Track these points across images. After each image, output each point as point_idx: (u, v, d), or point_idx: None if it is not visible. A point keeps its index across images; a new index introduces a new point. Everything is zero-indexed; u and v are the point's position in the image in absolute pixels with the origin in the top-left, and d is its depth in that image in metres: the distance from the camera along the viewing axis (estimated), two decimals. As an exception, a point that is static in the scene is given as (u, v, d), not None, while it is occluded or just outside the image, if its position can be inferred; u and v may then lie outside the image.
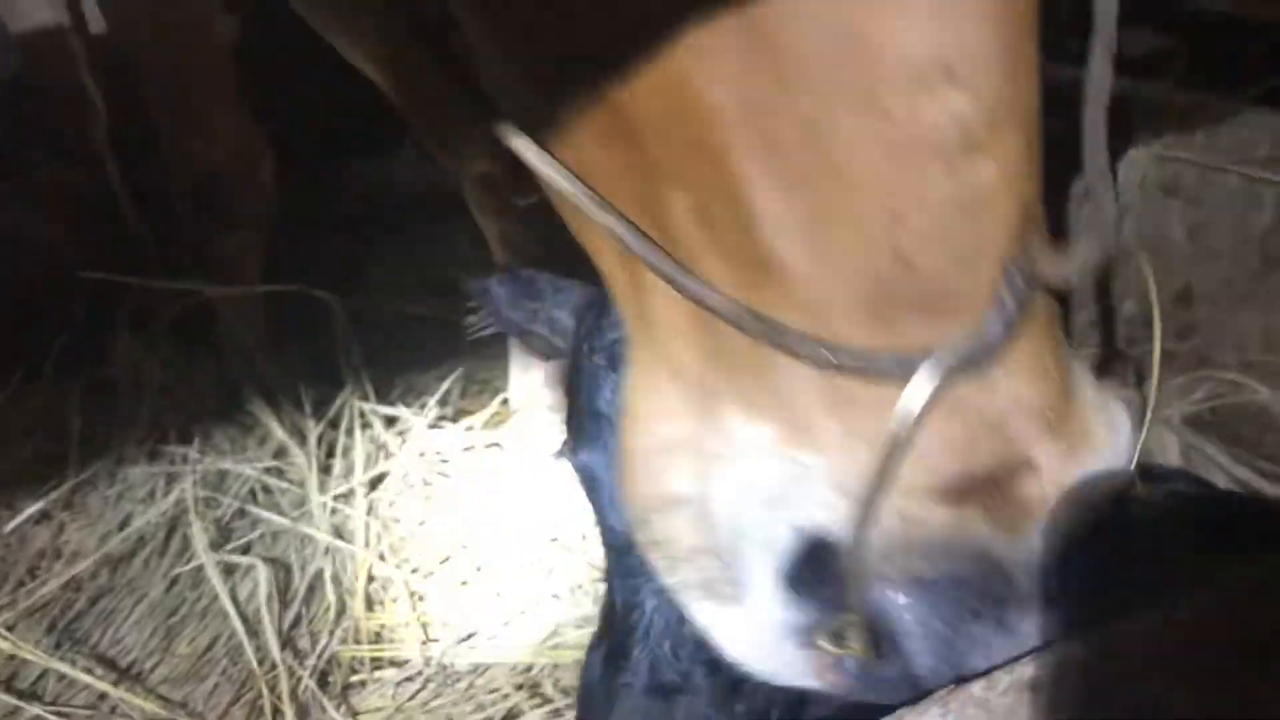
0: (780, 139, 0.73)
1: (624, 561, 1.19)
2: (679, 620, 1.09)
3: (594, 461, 1.24)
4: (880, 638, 0.82)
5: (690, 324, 0.87)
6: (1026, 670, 0.64)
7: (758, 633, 0.88)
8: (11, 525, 2.30)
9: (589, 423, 1.23)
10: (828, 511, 0.81)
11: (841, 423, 0.80)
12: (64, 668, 1.90)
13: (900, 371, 0.76)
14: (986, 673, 0.70)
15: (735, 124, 0.73)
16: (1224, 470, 2.33)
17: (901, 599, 0.81)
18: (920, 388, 0.75)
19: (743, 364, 0.83)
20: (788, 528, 0.84)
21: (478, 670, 1.99)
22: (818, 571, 0.83)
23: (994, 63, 0.73)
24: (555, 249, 2.72)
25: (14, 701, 1.86)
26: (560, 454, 1.31)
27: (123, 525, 2.26)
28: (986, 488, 0.80)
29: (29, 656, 1.90)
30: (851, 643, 0.82)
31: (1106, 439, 0.87)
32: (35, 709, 1.85)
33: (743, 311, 0.79)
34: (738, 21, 0.69)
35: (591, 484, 1.25)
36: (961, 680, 0.74)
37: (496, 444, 2.45)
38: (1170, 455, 2.37)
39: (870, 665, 0.83)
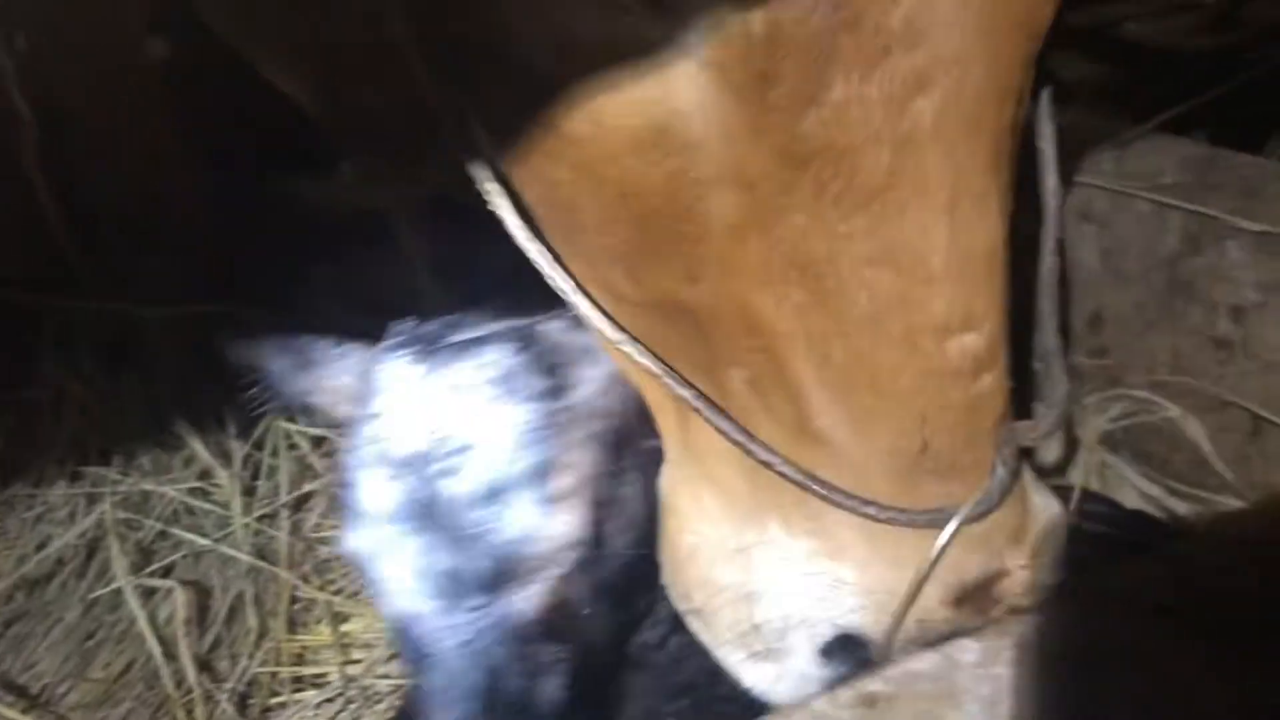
0: (833, 359, 0.97)
1: (407, 637, 1.23)
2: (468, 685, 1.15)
3: (359, 548, 1.26)
4: None
5: (735, 455, 1.08)
6: (868, 685, 0.67)
7: (792, 682, 1.09)
8: (-75, 549, 2.26)
9: (350, 516, 1.27)
10: (860, 615, 1.03)
11: (872, 549, 1.04)
12: (-30, 695, 1.87)
13: (925, 521, 1.00)
14: (830, 689, 0.73)
15: (798, 345, 0.98)
16: (1135, 487, 2.39)
17: None
18: (947, 532, 0.99)
19: (784, 492, 1.05)
20: (829, 625, 1.06)
21: (398, 692, 1.98)
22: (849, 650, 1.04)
23: (996, 310, 1.00)
24: (487, 275, 2.75)
25: (-81, 729, 1.83)
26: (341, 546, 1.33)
27: (40, 547, 2.23)
28: (976, 592, 1.02)
29: (-67, 683, 1.87)
30: None
31: (1049, 540, 1.12)
32: (-59, 737, 1.83)
33: (793, 469, 1.02)
34: (802, 271, 0.94)
35: (362, 569, 1.28)
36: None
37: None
38: (1084, 472, 2.43)
39: None
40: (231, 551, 2.18)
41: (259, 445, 2.46)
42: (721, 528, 1.16)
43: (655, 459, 1.38)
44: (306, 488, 2.37)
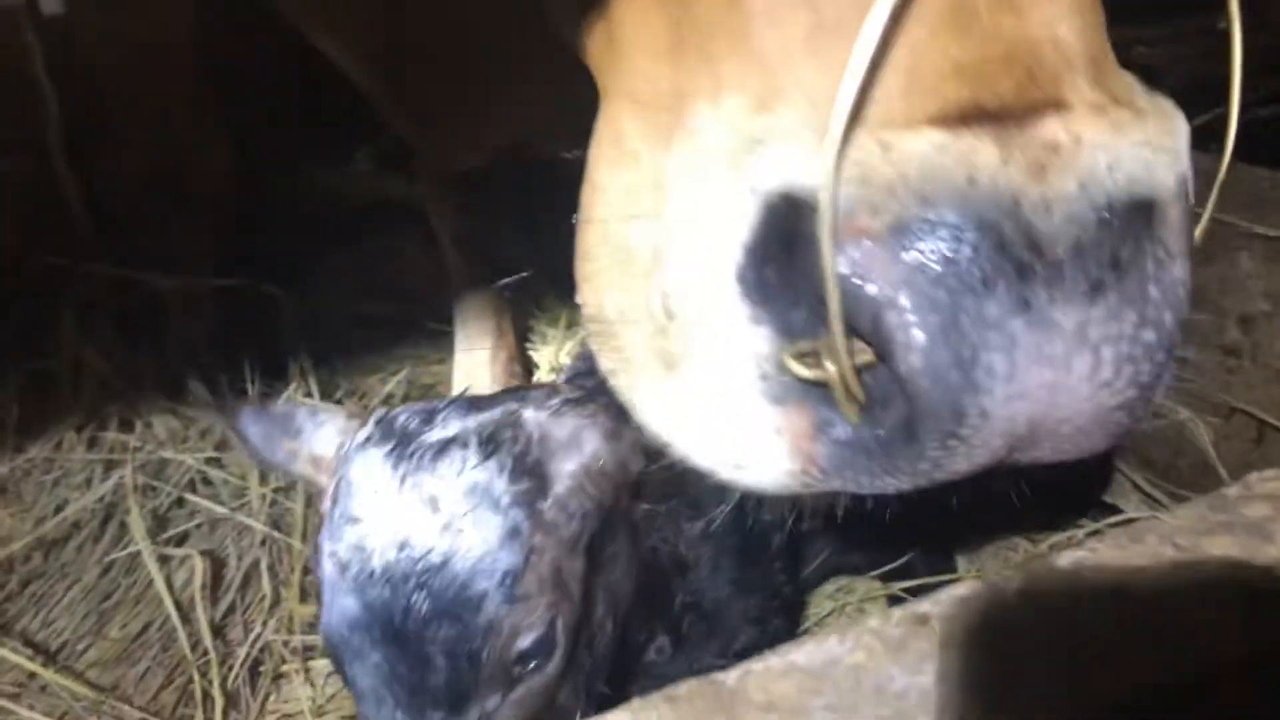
0: None
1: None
2: None
3: (333, 638, 1.25)
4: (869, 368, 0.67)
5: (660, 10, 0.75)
6: (919, 606, 0.70)
7: (713, 395, 0.72)
8: (-57, 509, 2.28)
9: (327, 612, 1.22)
10: (797, 162, 0.65)
11: (818, 60, 0.66)
12: (-8, 646, 1.89)
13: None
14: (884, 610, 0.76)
15: None
16: (1139, 490, 2.43)
17: (891, 264, 0.62)
18: None
19: (715, 30, 0.71)
20: (749, 194, 0.67)
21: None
22: (785, 272, 0.67)
23: None
24: (509, 252, 2.78)
25: (-60, 678, 1.85)
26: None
27: (58, 510, 2.26)
28: (1001, 120, 0.64)
29: (-44, 633, 1.89)
30: (828, 368, 0.66)
31: (1156, 115, 0.72)
32: (-39, 686, 1.85)
33: None
34: None
35: (334, 655, 1.24)
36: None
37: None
38: (1090, 476, 2.47)
39: (857, 414, 0.67)
40: (247, 520, 2.20)
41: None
42: (642, 167, 0.78)
43: (645, 527, 1.37)
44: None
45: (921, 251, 0.61)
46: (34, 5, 3.02)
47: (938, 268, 0.61)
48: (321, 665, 2.04)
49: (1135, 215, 0.66)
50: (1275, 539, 0.75)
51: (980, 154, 0.62)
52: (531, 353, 2.83)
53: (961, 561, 2.25)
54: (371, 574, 1.15)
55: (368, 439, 1.24)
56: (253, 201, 2.97)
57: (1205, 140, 2.54)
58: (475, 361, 2.61)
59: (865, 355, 0.66)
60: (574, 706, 1.27)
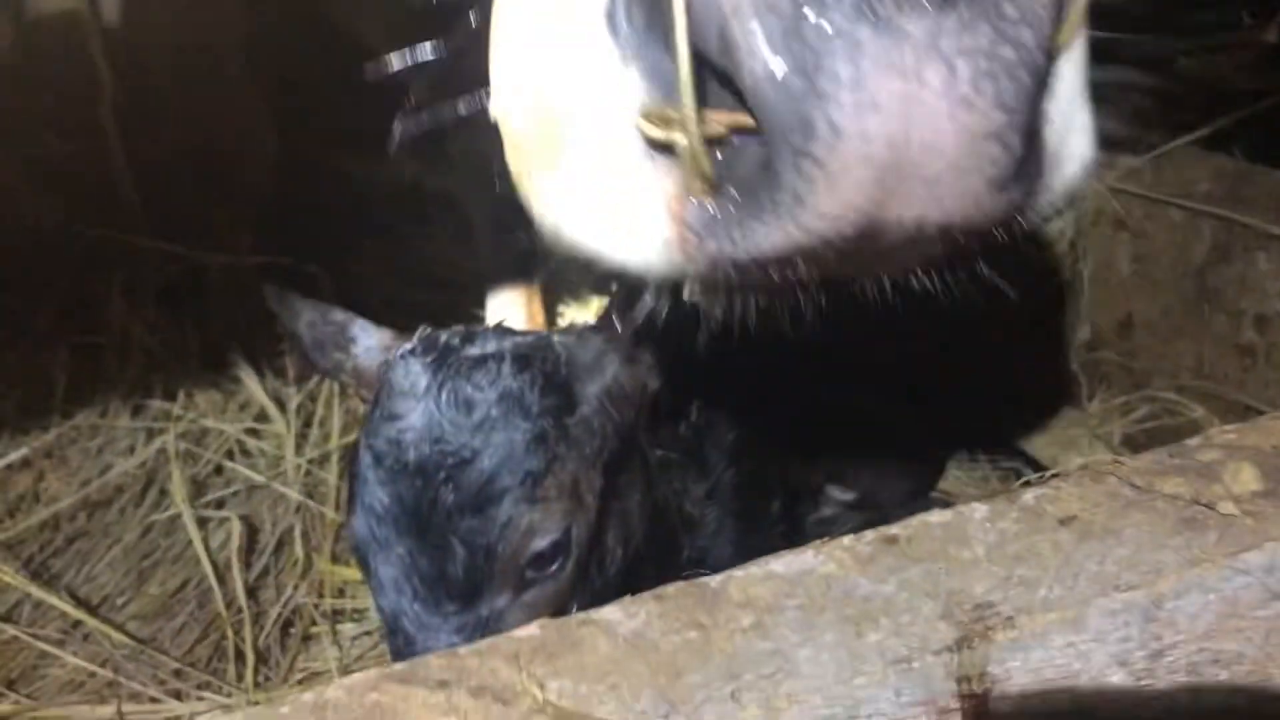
0: None
1: (394, 630, 1.31)
2: None
3: (359, 533, 1.32)
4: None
5: None
6: (889, 530, 0.76)
7: (593, 161, 0.72)
8: (-6, 469, 2.39)
9: (357, 505, 1.32)
10: None
11: None
12: (42, 594, 1.98)
13: None
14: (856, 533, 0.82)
15: None
16: (1154, 486, 2.46)
17: None
18: None
19: None
20: None
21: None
22: (650, 14, 0.67)
23: None
24: (539, 242, 2.84)
25: (-9, 622, 1.95)
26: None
27: (102, 473, 2.35)
28: None
29: (10, 581, 1.98)
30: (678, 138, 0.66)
31: None
32: (11, 630, 1.94)
33: None
34: None
35: (360, 555, 1.34)
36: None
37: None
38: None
39: (704, 188, 0.67)
40: (282, 489, 2.29)
41: (313, 396, 2.57)
42: None
43: (657, 473, 1.45)
44: (356, 435, 2.47)
45: None
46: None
47: None
48: (349, 628, 2.12)
49: None
50: (1222, 478, 0.80)
51: None
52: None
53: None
54: (405, 466, 1.25)
55: (411, 350, 1.35)
56: (295, 185, 3.06)
57: (1237, 136, 2.57)
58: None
59: (721, 127, 0.65)
60: None
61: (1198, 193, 2.41)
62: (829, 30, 0.59)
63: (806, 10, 0.59)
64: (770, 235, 0.64)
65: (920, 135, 0.61)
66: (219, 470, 2.38)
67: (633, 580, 1.40)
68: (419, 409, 1.28)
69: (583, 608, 1.34)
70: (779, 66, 0.60)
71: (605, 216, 0.72)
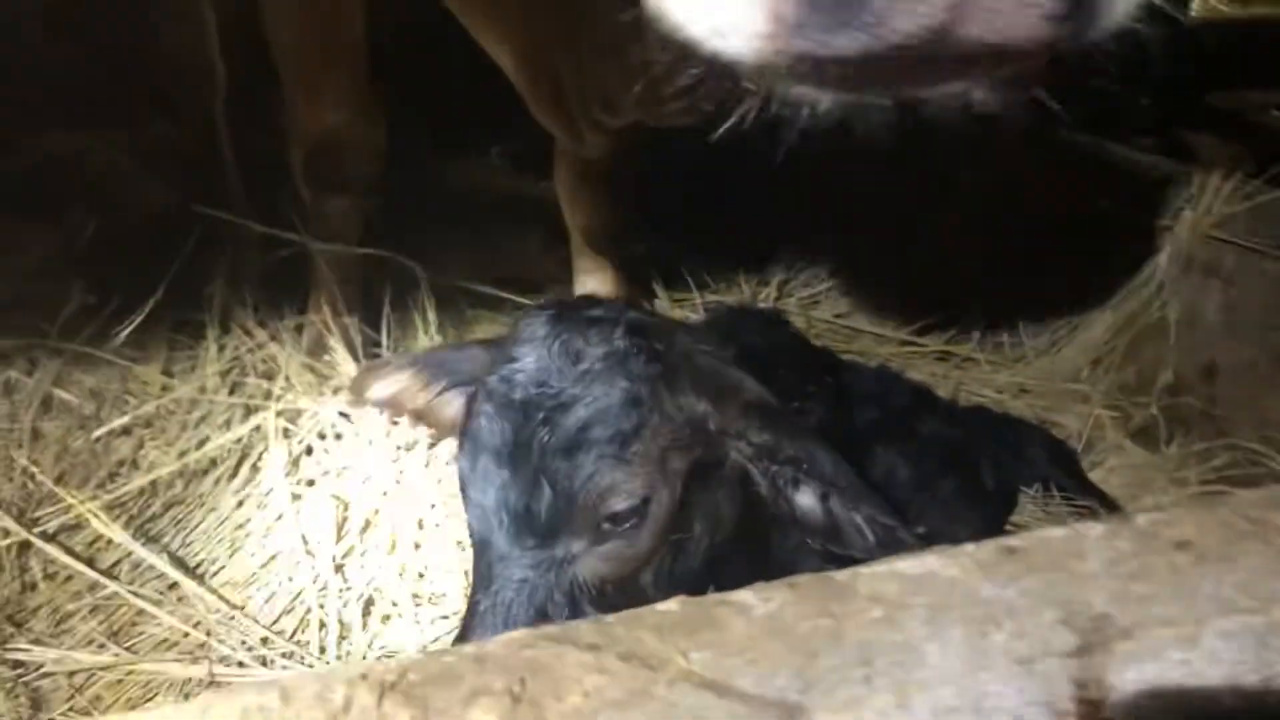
0: None
1: (479, 558, 1.38)
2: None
3: (463, 467, 1.42)
4: None
5: None
6: (1008, 540, 0.80)
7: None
8: (97, 434, 2.49)
9: (465, 439, 1.42)
10: None
11: None
12: (144, 552, 2.07)
13: None
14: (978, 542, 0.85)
15: None
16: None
17: None
18: None
19: None
20: None
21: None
22: None
23: None
24: (629, 243, 2.92)
25: (96, 576, 2.04)
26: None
27: (200, 445, 2.45)
28: None
29: (116, 537, 2.08)
30: None
31: None
32: (113, 586, 2.03)
33: None
34: None
35: (461, 486, 1.45)
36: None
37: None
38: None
39: None
40: (372, 472, 2.36)
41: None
42: None
43: (745, 475, 1.47)
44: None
45: None
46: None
47: None
48: (427, 612, 2.18)
49: None
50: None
51: None
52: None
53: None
54: (511, 403, 1.36)
55: (540, 304, 1.47)
56: (399, 182, 3.15)
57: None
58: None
59: None
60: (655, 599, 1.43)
61: (1292, 245, 2.42)
62: None
63: None
64: (851, 41, 0.75)
65: None
66: (310, 450, 2.46)
67: (718, 573, 1.46)
68: (534, 354, 1.38)
69: (661, 587, 1.41)
70: None
71: (709, 7, 0.82)
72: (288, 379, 2.62)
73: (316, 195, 2.73)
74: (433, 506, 2.36)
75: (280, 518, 2.26)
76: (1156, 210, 2.67)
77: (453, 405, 1.66)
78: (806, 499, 1.39)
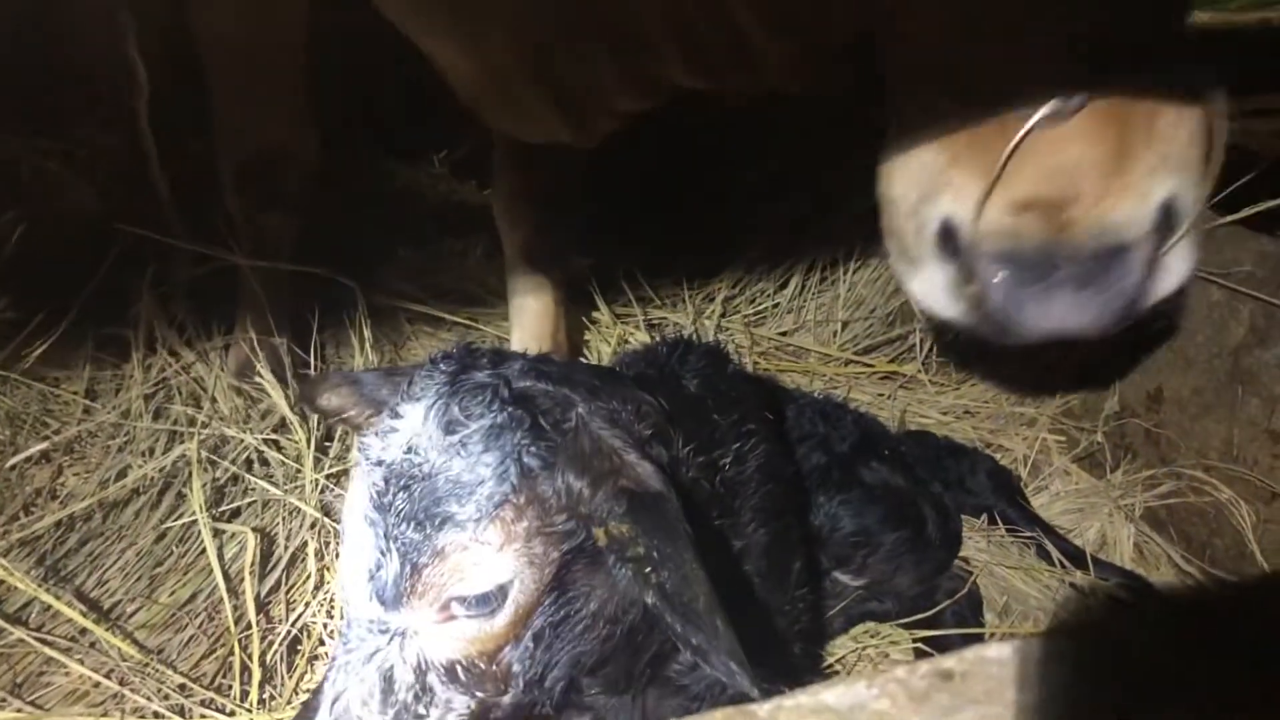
0: None
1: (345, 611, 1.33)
2: None
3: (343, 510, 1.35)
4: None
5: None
6: (944, 662, 0.75)
7: (932, 285, 1.62)
8: (12, 462, 2.38)
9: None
10: (954, 205, 1.52)
11: (974, 162, 1.49)
12: (51, 599, 1.97)
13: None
14: (910, 662, 0.80)
15: None
16: (1174, 564, 2.44)
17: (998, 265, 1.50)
18: (1028, 125, 1.41)
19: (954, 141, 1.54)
20: (935, 219, 1.56)
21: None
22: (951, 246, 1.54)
23: None
24: (571, 258, 2.85)
25: (0, 623, 1.94)
26: None
27: (120, 475, 2.35)
28: (1046, 205, 1.44)
29: (19, 584, 1.97)
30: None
31: (1136, 195, 1.46)
32: (19, 633, 1.93)
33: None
34: None
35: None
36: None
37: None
38: (1124, 545, 2.48)
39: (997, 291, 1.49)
40: (299, 503, 2.27)
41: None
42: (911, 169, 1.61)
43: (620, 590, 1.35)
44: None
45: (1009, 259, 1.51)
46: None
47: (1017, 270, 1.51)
48: (356, 651, 2.10)
49: (1110, 253, 1.47)
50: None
51: (1030, 226, 1.48)
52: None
53: (990, 615, 2.27)
54: (380, 462, 1.28)
55: (442, 358, 1.38)
56: (334, 194, 3.06)
57: (1270, 224, 2.53)
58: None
59: None
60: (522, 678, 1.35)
61: (1239, 273, 2.39)
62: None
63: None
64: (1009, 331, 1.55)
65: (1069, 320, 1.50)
66: (236, 479, 2.37)
67: (610, 656, 1.38)
68: (412, 415, 1.29)
69: (534, 667, 1.33)
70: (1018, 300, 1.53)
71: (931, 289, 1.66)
72: (214, 401, 2.53)
73: (250, 209, 2.63)
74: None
75: (202, 553, 2.17)
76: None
77: None
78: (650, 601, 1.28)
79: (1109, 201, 1.43)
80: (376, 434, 1.32)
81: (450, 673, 1.32)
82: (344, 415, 1.63)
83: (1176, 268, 1.55)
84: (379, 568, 1.27)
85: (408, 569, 1.25)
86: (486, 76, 2.15)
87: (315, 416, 2.49)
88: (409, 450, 1.27)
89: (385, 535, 1.26)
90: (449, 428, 1.27)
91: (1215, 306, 2.44)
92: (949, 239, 1.55)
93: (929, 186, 1.56)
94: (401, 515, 1.25)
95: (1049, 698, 0.70)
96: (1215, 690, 0.78)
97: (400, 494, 1.26)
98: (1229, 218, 2.49)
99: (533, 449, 1.27)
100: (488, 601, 1.28)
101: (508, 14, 2.00)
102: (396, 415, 1.31)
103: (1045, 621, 2.14)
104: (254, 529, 2.21)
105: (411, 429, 1.29)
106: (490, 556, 1.25)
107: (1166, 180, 1.47)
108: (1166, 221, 1.50)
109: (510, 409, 1.29)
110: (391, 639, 1.30)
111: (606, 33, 1.98)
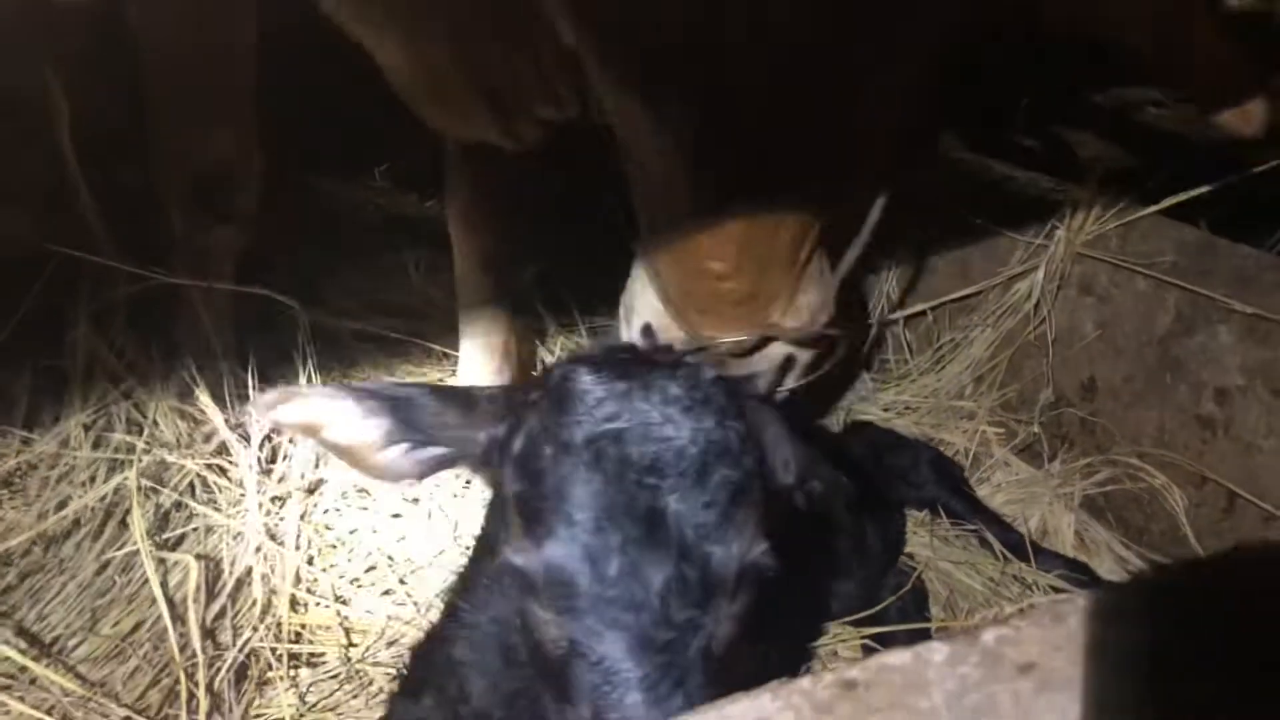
0: None
1: None
2: None
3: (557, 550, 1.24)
4: None
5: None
6: (847, 673, 0.77)
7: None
8: (-51, 496, 2.35)
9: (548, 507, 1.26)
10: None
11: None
12: (-11, 637, 1.95)
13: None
14: (815, 671, 0.82)
15: None
16: (1112, 551, 2.49)
17: None
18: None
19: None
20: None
21: (392, 677, 2.07)
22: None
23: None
24: (527, 265, 2.86)
25: (-62, 663, 1.91)
26: None
27: (60, 506, 2.32)
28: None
29: (-46, 625, 1.95)
30: None
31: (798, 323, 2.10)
32: (-42, 673, 1.91)
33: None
34: None
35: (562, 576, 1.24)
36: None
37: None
38: (1064, 533, 2.53)
39: None
40: (243, 528, 2.26)
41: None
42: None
43: None
44: (319, 475, 2.46)
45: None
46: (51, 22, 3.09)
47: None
48: (306, 674, 2.10)
49: None
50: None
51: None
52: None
53: (935, 609, 2.31)
54: (628, 463, 1.22)
55: (588, 359, 1.37)
56: (274, 211, 3.04)
57: (1204, 209, 2.59)
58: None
59: None
60: None
61: (1163, 263, 2.45)
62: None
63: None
64: None
65: None
66: (179, 506, 2.35)
67: None
68: (627, 406, 1.24)
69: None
70: None
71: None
72: (155, 426, 2.51)
73: (195, 226, 2.61)
74: (310, 561, 2.28)
75: (145, 582, 2.15)
76: (1032, 228, 2.69)
77: (393, 454, 1.48)
78: None
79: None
80: (598, 442, 1.23)
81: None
82: (314, 428, 1.54)
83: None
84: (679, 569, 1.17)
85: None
86: (422, 74, 2.19)
87: (258, 439, 2.48)
88: (656, 439, 1.21)
89: (677, 529, 1.18)
90: (677, 403, 1.24)
91: (1142, 296, 2.50)
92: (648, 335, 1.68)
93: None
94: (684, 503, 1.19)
95: (944, 701, 0.72)
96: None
97: (677, 479, 1.20)
98: (1151, 208, 2.55)
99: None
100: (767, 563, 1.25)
101: (441, 15, 2.05)
102: (610, 418, 1.24)
103: (977, 617, 2.18)
104: (198, 555, 2.19)
105: (639, 418, 1.23)
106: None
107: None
108: None
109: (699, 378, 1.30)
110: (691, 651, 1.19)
111: (519, 42, 2.02)
